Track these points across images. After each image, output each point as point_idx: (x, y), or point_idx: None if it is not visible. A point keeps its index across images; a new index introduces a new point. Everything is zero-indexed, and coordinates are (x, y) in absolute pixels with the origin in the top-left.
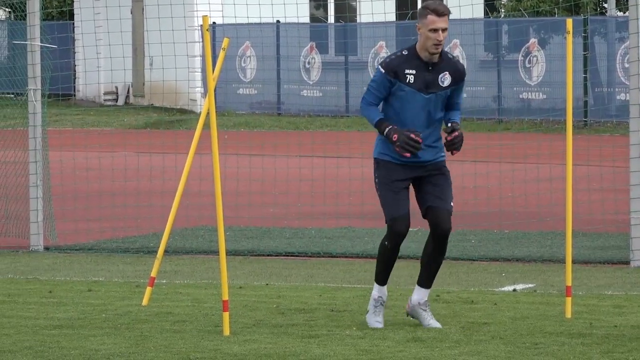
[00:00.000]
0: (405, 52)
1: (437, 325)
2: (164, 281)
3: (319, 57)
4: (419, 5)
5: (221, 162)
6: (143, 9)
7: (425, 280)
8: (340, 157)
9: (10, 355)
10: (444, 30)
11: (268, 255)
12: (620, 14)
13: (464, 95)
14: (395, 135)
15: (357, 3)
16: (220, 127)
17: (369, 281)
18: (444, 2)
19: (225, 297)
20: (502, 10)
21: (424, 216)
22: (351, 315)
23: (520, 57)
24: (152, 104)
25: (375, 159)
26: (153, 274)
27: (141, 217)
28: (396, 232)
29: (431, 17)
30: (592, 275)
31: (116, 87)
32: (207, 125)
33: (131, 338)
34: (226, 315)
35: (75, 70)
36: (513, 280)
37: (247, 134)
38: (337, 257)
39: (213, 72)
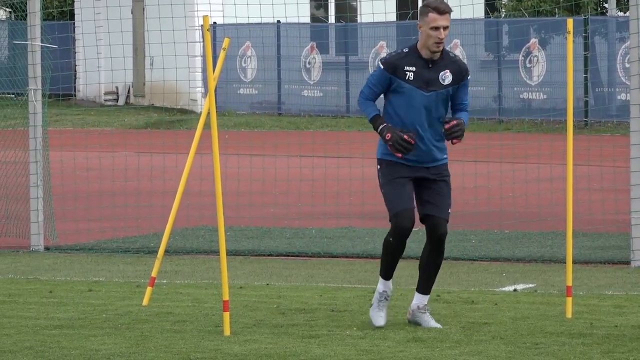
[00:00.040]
0: (406, 50)
1: (437, 325)
2: (165, 281)
3: (320, 57)
4: (420, 5)
5: (222, 162)
6: (143, 8)
7: (424, 286)
8: (340, 157)
9: (11, 355)
10: (445, 28)
11: (268, 255)
12: (620, 14)
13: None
14: (389, 134)
15: (358, 3)
16: (220, 127)
17: (369, 281)
18: (445, 1)
19: (226, 297)
20: (503, 10)
21: (421, 221)
22: (352, 315)
23: (520, 57)
24: (152, 104)
25: (378, 159)
26: (153, 274)
27: (142, 217)
28: (400, 227)
29: (432, 15)
30: (593, 275)
31: (117, 87)
32: (207, 125)
33: (132, 338)
34: (227, 315)
35: (75, 70)
36: (513, 280)
37: (248, 134)
38: (337, 257)
39: (214, 72)
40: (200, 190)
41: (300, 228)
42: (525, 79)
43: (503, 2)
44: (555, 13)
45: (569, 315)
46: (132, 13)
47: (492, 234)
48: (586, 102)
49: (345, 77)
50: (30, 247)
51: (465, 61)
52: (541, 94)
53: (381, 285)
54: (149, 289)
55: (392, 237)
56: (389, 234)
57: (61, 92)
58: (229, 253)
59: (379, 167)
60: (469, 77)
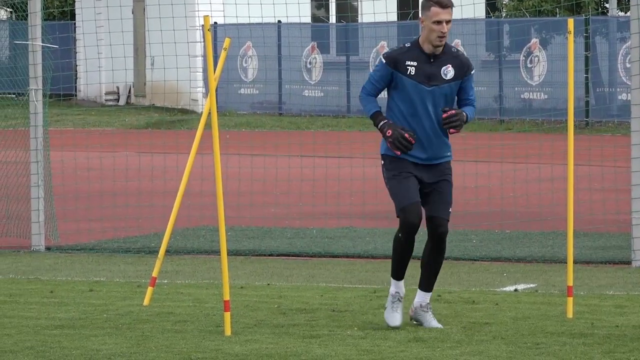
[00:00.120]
0: (408, 45)
1: (439, 325)
2: (166, 281)
3: (321, 57)
4: (420, 5)
5: (223, 162)
6: (144, 8)
7: (426, 283)
8: (341, 157)
9: (12, 355)
10: (447, 22)
11: (269, 255)
12: (621, 13)
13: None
14: (390, 131)
15: (359, 3)
16: (221, 127)
17: (370, 281)
18: None
19: (227, 297)
20: (504, 10)
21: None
22: (352, 315)
23: (521, 57)
24: (153, 104)
25: (382, 155)
26: (154, 274)
27: (142, 217)
28: (407, 222)
29: (435, 9)
30: (594, 275)
31: (117, 87)
32: (208, 125)
33: (132, 338)
34: (227, 315)
35: (76, 70)
36: (514, 280)
37: (249, 134)
38: (338, 257)
39: (214, 72)
40: (201, 190)
41: (301, 228)
42: (526, 78)
43: (504, 2)
44: (556, 13)
45: (570, 315)
46: (133, 13)
47: (493, 233)
48: (587, 102)
49: (346, 77)
50: (31, 247)
51: None
52: (542, 93)
53: (393, 287)
54: (149, 289)
55: (401, 232)
56: (398, 230)
57: (62, 92)
58: (230, 253)
59: (383, 162)
60: (473, 72)
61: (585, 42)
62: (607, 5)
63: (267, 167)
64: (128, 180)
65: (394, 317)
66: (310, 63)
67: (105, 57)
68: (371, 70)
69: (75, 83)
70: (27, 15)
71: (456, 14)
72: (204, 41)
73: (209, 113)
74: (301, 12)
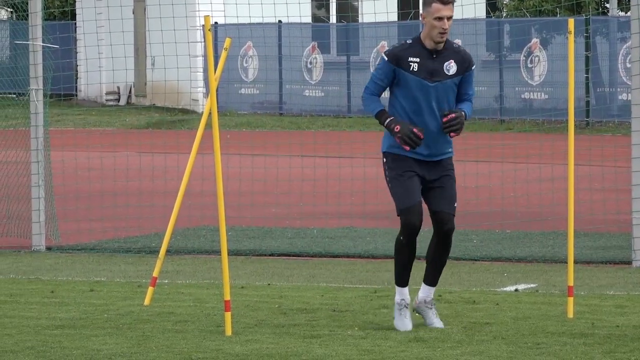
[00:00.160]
0: (409, 41)
1: (440, 325)
2: (166, 281)
3: (321, 57)
4: (422, 1)
5: (223, 162)
6: (145, 9)
7: (431, 278)
8: (342, 157)
9: (12, 355)
10: (449, 18)
11: (270, 255)
12: (622, 13)
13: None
14: (398, 127)
15: (359, 3)
16: (222, 127)
17: (371, 281)
18: None
19: (227, 297)
20: (504, 10)
21: (430, 216)
22: (353, 315)
23: (522, 57)
24: (154, 104)
25: (384, 152)
26: (155, 274)
27: (143, 217)
28: (408, 224)
29: (436, 5)
30: (594, 275)
31: (118, 87)
32: (209, 125)
33: (133, 338)
34: (228, 315)
35: (77, 70)
36: (515, 280)
37: (249, 134)
38: (339, 257)
39: (215, 72)
40: (201, 190)
41: (302, 228)
42: (526, 78)
43: (504, 2)
44: (557, 13)
45: (570, 315)
46: (133, 13)
47: (493, 233)
48: (587, 102)
49: (347, 77)
50: (31, 247)
51: None
52: (542, 93)
53: (398, 295)
54: (150, 289)
55: (402, 235)
56: (399, 233)
57: (62, 92)
58: (231, 253)
59: (384, 160)
60: (473, 67)
61: (586, 42)
62: (607, 5)
63: (268, 167)
64: (129, 180)
65: (405, 324)
66: (310, 63)
67: (105, 57)
68: (372, 70)
69: (76, 83)
70: (27, 15)
71: (457, 14)
72: (204, 41)
73: (210, 113)
74: (302, 12)
